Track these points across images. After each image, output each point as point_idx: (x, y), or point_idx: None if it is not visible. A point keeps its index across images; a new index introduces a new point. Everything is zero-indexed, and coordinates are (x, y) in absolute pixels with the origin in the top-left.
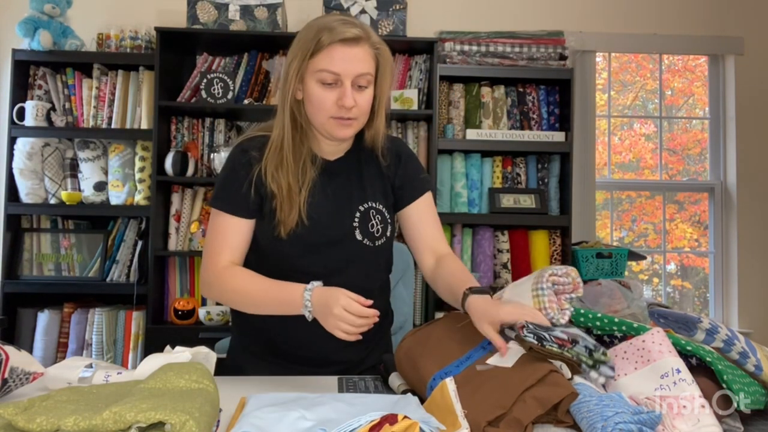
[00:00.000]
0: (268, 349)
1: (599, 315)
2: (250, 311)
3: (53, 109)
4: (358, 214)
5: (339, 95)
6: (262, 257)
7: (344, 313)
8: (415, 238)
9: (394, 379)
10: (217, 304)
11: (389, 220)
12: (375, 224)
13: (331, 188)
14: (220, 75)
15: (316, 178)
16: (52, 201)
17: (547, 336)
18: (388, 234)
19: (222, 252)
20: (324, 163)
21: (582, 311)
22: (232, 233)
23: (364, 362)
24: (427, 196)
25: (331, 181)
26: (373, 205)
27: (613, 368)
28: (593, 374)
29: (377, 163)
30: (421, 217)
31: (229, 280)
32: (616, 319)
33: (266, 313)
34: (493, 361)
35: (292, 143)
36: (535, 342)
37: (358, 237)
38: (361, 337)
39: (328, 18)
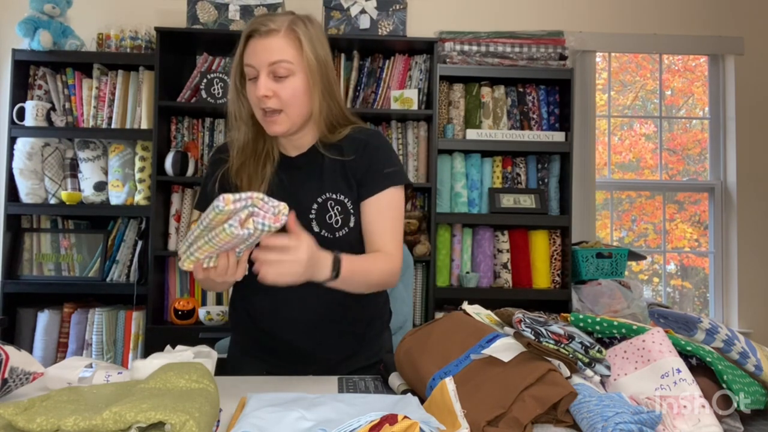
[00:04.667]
0: (260, 346)
1: (598, 319)
2: (222, 288)
3: (53, 109)
4: (315, 206)
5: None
6: None
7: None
8: (365, 233)
9: (394, 379)
10: (218, 304)
11: (352, 212)
12: (334, 215)
13: (290, 183)
14: (220, 75)
15: (275, 175)
16: (52, 201)
17: (543, 331)
18: (351, 225)
19: None
20: (286, 160)
21: (581, 316)
22: None
23: (355, 361)
24: (388, 193)
25: (291, 177)
26: (332, 196)
27: (608, 367)
28: (589, 372)
29: (341, 156)
30: (374, 214)
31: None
32: (615, 323)
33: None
34: (488, 351)
35: (253, 144)
36: (532, 337)
37: (315, 228)
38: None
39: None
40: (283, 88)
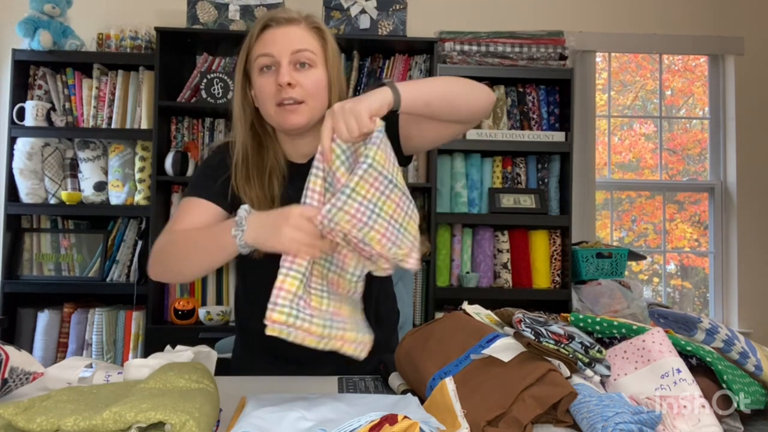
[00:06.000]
0: (264, 347)
1: (598, 319)
2: (182, 264)
3: (53, 109)
4: None
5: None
6: (247, 271)
7: (303, 221)
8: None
9: (394, 379)
10: (218, 304)
11: None
12: None
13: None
14: (220, 75)
15: (287, 188)
16: (52, 201)
17: (543, 331)
18: None
19: (178, 222)
20: (295, 168)
21: (581, 316)
22: (196, 210)
23: (362, 366)
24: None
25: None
26: None
27: (608, 367)
28: (589, 372)
29: None
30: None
31: (170, 236)
32: (615, 323)
33: (196, 262)
34: (488, 351)
35: (256, 154)
36: (532, 337)
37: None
38: (315, 254)
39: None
40: (306, 78)
